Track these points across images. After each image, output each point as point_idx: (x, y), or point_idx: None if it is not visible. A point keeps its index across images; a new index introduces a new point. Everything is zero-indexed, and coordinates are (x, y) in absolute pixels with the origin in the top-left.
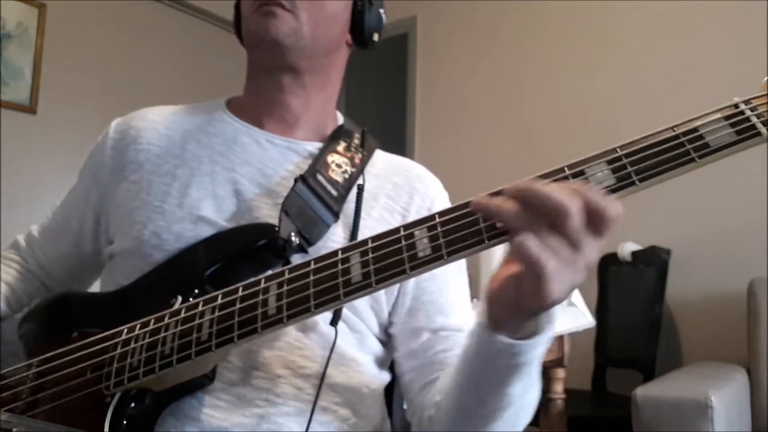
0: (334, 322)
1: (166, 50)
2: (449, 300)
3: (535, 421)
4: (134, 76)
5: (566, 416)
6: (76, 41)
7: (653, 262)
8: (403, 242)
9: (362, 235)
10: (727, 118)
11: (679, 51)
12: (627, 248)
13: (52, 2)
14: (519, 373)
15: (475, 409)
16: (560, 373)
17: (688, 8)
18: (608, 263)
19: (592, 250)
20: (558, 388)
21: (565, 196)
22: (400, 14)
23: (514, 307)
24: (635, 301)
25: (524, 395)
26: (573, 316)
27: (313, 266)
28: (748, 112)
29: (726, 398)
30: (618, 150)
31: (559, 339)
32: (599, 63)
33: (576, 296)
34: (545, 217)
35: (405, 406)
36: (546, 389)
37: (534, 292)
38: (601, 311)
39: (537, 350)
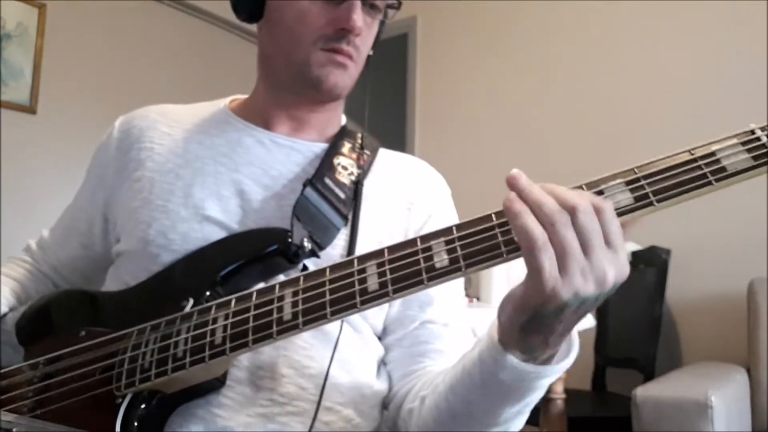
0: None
1: (166, 50)
2: (441, 294)
3: (535, 421)
4: (134, 76)
5: (566, 416)
6: (76, 41)
7: (653, 262)
8: (421, 254)
9: (367, 234)
10: (743, 143)
11: (679, 49)
12: (627, 248)
13: (52, 2)
14: (517, 396)
15: (461, 419)
16: None
17: (689, 8)
18: None
19: (603, 259)
20: (558, 388)
21: (576, 195)
22: (400, 14)
23: (520, 304)
24: (635, 301)
25: (512, 420)
26: None
27: (328, 275)
28: (764, 138)
29: (726, 398)
30: (636, 171)
31: None
32: (599, 62)
33: None
34: (558, 215)
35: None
36: (546, 389)
37: (535, 290)
38: (601, 311)
39: (543, 380)
